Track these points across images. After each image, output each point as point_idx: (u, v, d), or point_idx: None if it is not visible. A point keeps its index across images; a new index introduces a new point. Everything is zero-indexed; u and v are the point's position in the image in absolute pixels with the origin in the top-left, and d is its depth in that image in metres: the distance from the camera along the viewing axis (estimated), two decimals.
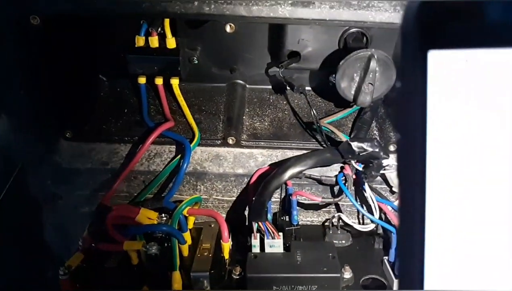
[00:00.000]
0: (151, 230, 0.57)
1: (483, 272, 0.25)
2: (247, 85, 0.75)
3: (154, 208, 0.60)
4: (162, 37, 0.67)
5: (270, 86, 0.75)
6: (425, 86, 0.23)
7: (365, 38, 0.65)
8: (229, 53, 0.72)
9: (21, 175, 0.65)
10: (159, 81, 0.70)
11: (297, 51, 0.67)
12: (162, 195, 0.64)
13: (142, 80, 0.71)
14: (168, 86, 0.71)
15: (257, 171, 0.64)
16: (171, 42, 0.68)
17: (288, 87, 0.72)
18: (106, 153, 0.66)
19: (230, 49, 0.72)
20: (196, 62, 0.71)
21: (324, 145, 0.65)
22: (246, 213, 0.66)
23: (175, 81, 0.71)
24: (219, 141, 0.67)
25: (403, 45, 0.23)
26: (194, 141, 0.65)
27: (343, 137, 0.64)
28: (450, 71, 0.23)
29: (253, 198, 0.63)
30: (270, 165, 0.65)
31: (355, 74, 0.59)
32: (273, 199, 0.63)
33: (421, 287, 0.25)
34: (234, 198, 0.67)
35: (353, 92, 0.60)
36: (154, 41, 0.68)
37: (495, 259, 0.25)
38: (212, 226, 0.62)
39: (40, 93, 0.66)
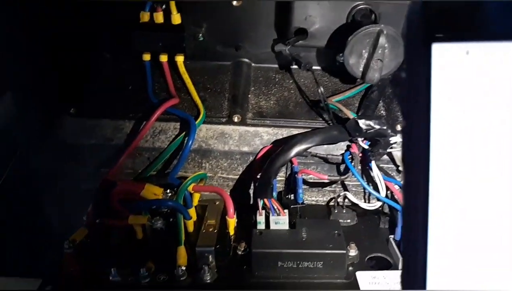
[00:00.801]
0: (157, 205, 0.56)
1: (487, 252, 0.26)
2: (253, 64, 0.75)
3: (159, 184, 0.60)
4: (167, 13, 0.67)
5: (275, 65, 0.74)
6: (429, 77, 0.24)
7: (373, 15, 0.64)
8: (235, 30, 0.72)
9: (25, 151, 0.65)
10: (163, 58, 0.70)
11: (304, 28, 0.66)
12: (167, 172, 0.63)
13: (146, 57, 0.70)
14: (172, 63, 0.71)
15: (262, 149, 0.64)
16: (176, 18, 0.67)
17: (294, 66, 0.71)
18: (110, 129, 0.65)
19: (236, 26, 0.71)
20: (202, 39, 0.70)
21: (331, 123, 0.64)
22: (251, 191, 0.66)
23: (180, 59, 0.70)
24: (225, 119, 0.67)
25: (408, 39, 0.24)
26: (199, 119, 0.64)
27: (350, 115, 0.63)
28: (452, 62, 0.24)
29: (259, 175, 0.63)
30: (276, 143, 0.65)
31: (363, 51, 0.58)
32: (278, 178, 0.63)
33: (425, 268, 0.25)
34: (239, 176, 0.66)
35: (361, 69, 0.59)
36: (159, 17, 0.67)
37: (497, 237, 0.25)
38: (217, 203, 0.62)
39: (44, 70, 0.66)
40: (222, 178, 0.67)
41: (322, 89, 0.64)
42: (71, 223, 0.60)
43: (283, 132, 0.66)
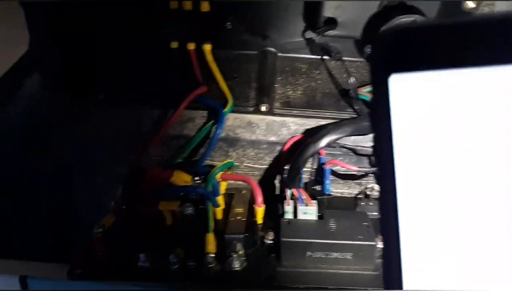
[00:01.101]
0: (187, 191, 0.57)
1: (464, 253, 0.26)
2: (279, 54, 0.74)
3: (188, 171, 0.60)
4: (196, 1, 0.66)
5: (302, 55, 0.74)
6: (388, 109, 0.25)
7: (407, 6, 0.63)
8: (262, 19, 0.71)
9: (52, 136, 0.66)
10: (191, 46, 0.69)
11: (334, 17, 0.65)
12: (194, 159, 0.64)
13: (174, 44, 0.70)
14: (199, 52, 0.70)
15: (290, 139, 0.64)
16: (205, 6, 0.67)
17: (321, 56, 0.71)
18: (139, 116, 0.65)
19: (264, 15, 0.71)
20: (230, 27, 0.70)
21: (361, 114, 0.64)
22: (277, 181, 0.66)
23: (207, 47, 0.70)
24: (252, 109, 0.67)
25: (371, 72, 0.26)
26: (227, 108, 0.64)
27: None
28: (411, 93, 0.25)
29: (286, 166, 0.62)
30: (303, 133, 0.65)
31: None
32: (304, 169, 0.62)
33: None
34: (265, 166, 0.66)
35: None
36: (188, 4, 0.67)
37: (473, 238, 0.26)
38: (244, 192, 0.62)
39: (72, 55, 0.66)
40: (248, 167, 0.67)
41: (353, 79, 0.64)
42: (99, 208, 0.61)
43: (311, 123, 0.65)
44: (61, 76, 0.67)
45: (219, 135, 0.62)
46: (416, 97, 0.26)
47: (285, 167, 0.63)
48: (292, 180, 0.56)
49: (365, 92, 0.65)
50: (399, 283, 0.26)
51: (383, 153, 0.26)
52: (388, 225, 0.27)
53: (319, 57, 0.73)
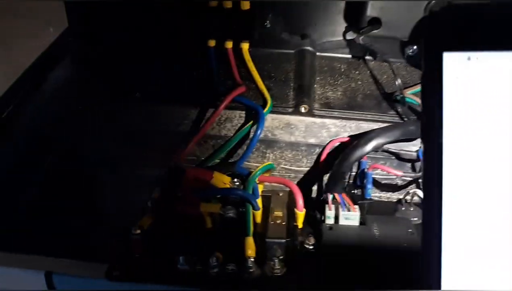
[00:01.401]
0: (228, 194, 0.55)
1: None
2: (317, 53, 0.72)
3: (226, 173, 0.59)
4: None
5: (340, 55, 0.72)
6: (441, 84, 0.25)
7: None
8: (301, 18, 0.70)
9: (88, 134, 0.65)
10: (229, 44, 0.68)
11: (378, 17, 0.63)
12: (232, 161, 0.63)
13: (211, 43, 0.69)
14: (236, 50, 0.69)
15: (330, 141, 0.62)
16: (245, 4, 0.65)
17: (362, 56, 0.69)
18: (176, 115, 0.64)
19: (303, 14, 0.69)
20: (269, 26, 0.68)
21: (405, 117, 0.62)
22: (314, 185, 0.64)
23: (245, 46, 0.69)
24: (291, 109, 0.65)
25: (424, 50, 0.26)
26: (266, 108, 0.63)
27: None
28: (462, 70, 0.25)
29: (325, 169, 0.61)
30: (344, 136, 0.63)
31: None
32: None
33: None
34: (303, 168, 0.65)
35: None
36: (228, 3, 0.65)
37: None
38: (281, 194, 0.61)
39: (108, 52, 0.65)
40: (285, 169, 0.65)
41: (400, 80, 0.61)
42: (135, 208, 0.60)
43: (351, 125, 0.63)
44: (96, 73, 0.66)
45: (259, 137, 0.61)
46: (471, 80, 0.25)
47: (325, 170, 0.62)
48: (335, 184, 0.55)
49: (411, 94, 0.63)
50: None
51: (432, 149, 0.26)
52: (431, 231, 0.27)
53: (358, 57, 0.71)
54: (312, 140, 0.63)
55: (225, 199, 0.57)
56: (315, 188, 0.64)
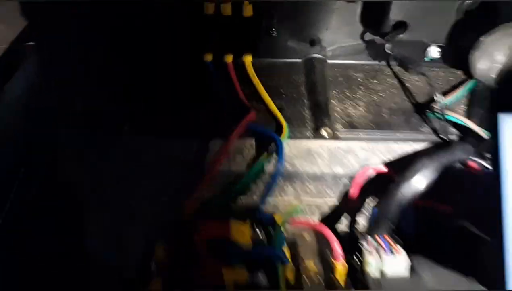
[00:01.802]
0: (254, 257, 0.45)
1: None
2: (328, 60, 0.63)
3: (245, 218, 0.49)
4: (237, 4, 0.54)
5: (353, 61, 0.63)
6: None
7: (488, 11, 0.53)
8: (310, 22, 0.59)
9: (68, 172, 0.53)
10: (229, 58, 0.57)
11: (403, 21, 0.54)
12: (248, 202, 0.52)
13: (208, 57, 0.57)
14: (237, 64, 0.58)
15: (361, 171, 0.53)
16: (247, 10, 0.55)
17: (387, 63, 0.60)
18: (176, 148, 0.53)
19: (312, 17, 0.59)
20: (275, 34, 0.58)
21: (440, 134, 0.53)
22: (343, 222, 0.55)
23: (248, 59, 0.58)
24: (311, 133, 0.55)
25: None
26: (283, 134, 0.53)
27: (483, 133, 0.51)
28: None
29: (354, 203, 0.53)
30: (377, 162, 0.54)
31: (496, 53, 0.47)
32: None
33: None
34: (327, 201, 0.55)
35: (494, 75, 0.48)
36: (227, 8, 0.54)
37: None
38: (306, 237, 0.52)
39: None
40: (307, 204, 0.56)
41: (440, 96, 0.53)
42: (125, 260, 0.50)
43: (381, 148, 0.55)
44: (79, 110, 0.54)
45: (280, 173, 0.51)
46: None
47: (356, 205, 0.54)
48: (378, 226, 0.46)
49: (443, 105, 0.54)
50: None
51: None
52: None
53: (376, 63, 0.62)
54: (338, 170, 0.54)
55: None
56: (343, 225, 0.55)
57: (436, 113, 0.55)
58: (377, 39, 0.58)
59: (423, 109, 0.57)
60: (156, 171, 0.52)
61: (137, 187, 0.53)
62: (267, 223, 0.49)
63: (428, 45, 0.60)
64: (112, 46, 0.56)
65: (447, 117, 0.53)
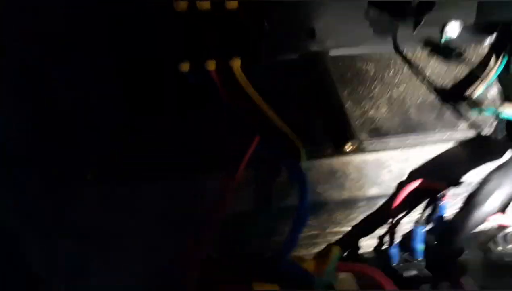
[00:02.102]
0: None
1: None
2: (329, 53, 0.52)
3: (268, 275, 0.37)
4: None
5: (359, 51, 0.52)
6: None
7: None
8: (307, 8, 0.48)
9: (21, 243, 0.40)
10: (211, 65, 0.44)
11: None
12: (269, 250, 0.40)
13: (184, 67, 0.44)
14: (223, 71, 0.46)
15: (401, 189, 0.42)
16: (231, 1, 0.42)
17: (396, 51, 0.49)
18: (157, 195, 0.40)
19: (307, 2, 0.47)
20: (268, 28, 0.45)
21: (481, 131, 0.44)
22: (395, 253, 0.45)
23: (236, 63, 0.45)
24: (330, 148, 0.44)
25: None
26: (302, 158, 0.41)
27: None
28: None
29: (396, 229, 0.42)
30: (416, 175, 0.43)
31: None
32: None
33: None
34: (356, 228, 0.45)
35: None
36: (204, 3, 0.41)
37: None
38: (345, 279, 0.41)
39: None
40: (332, 232, 0.45)
41: (495, 91, 0.43)
42: None
43: (416, 155, 0.44)
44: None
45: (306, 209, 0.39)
46: None
47: (399, 231, 0.43)
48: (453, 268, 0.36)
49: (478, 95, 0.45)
50: None
51: None
52: None
53: (386, 50, 0.52)
54: (372, 191, 0.43)
55: None
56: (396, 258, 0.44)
57: (472, 106, 0.45)
58: (386, 20, 0.47)
59: (454, 100, 0.47)
60: (136, 232, 0.39)
61: (107, 260, 0.40)
62: (294, 274, 0.37)
63: (445, 22, 0.50)
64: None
65: (503, 117, 0.43)
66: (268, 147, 0.41)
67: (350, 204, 0.43)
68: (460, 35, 0.51)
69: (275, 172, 0.41)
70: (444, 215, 0.42)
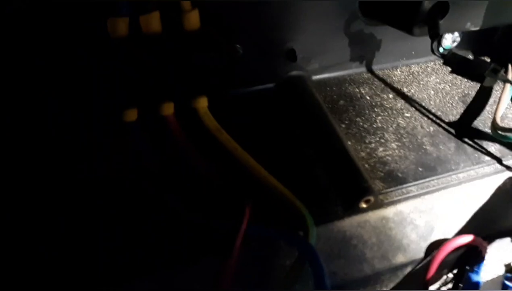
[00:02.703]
0: None
1: None
2: (313, 76, 0.41)
3: None
4: (170, 11, 0.29)
5: (346, 71, 0.42)
6: None
7: None
8: (283, 22, 0.37)
9: None
10: (168, 109, 0.32)
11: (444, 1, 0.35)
12: None
13: (131, 115, 0.32)
14: (183, 117, 0.34)
15: (435, 253, 0.32)
16: (192, 18, 0.30)
17: (391, 68, 0.40)
18: None
19: (284, 16, 0.36)
20: (241, 52, 0.34)
21: (504, 161, 0.35)
22: None
23: (202, 103, 0.34)
24: (340, 209, 0.33)
25: None
26: (310, 234, 0.29)
27: None
28: None
29: None
30: (445, 230, 0.34)
31: None
32: None
33: None
34: None
35: None
36: (154, 22, 0.29)
37: None
38: None
39: None
40: None
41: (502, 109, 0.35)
42: None
43: (442, 201, 0.35)
44: None
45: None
46: None
47: None
48: None
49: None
50: None
51: None
52: None
53: (380, 67, 0.42)
54: (398, 257, 0.33)
55: None
56: None
57: (497, 132, 0.37)
58: (378, 33, 0.38)
59: (473, 125, 0.39)
60: None
61: None
62: None
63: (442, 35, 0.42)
64: None
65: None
66: (262, 225, 0.29)
67: (370, 278, 0.32)
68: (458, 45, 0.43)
69: (276, 251, 0.30)
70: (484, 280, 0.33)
